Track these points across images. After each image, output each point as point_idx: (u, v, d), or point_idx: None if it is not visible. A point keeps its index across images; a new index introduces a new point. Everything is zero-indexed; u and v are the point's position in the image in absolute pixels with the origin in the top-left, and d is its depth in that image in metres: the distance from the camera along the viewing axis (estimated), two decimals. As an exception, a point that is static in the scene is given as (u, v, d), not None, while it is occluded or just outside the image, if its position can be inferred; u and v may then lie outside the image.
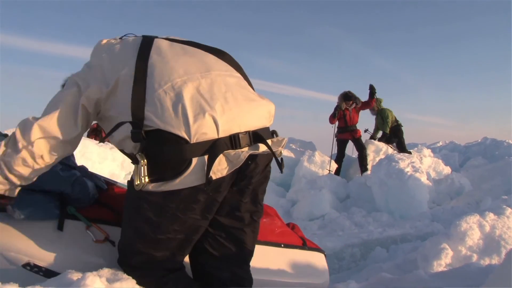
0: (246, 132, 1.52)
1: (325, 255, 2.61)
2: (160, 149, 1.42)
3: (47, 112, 1.53)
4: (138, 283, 1.60)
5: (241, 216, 1.67)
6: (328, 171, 8.62)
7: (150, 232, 1.53)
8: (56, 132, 1.51)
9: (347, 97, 8.83)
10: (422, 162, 8.68)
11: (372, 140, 9.63)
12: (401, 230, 5.43)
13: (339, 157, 9.05)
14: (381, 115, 9.47)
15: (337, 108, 8.92)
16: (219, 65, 1.66)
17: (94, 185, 1.98)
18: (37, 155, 1.50)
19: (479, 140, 14.75)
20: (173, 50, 1.63)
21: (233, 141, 1.48)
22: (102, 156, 7.09)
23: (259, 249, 1.92)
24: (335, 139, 9.17)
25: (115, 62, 1.58)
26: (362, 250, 4.81)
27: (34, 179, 1.60)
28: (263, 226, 1.94)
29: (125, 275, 1.59)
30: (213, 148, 1.42)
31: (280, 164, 1.62)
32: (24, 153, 1.49)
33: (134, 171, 1.49)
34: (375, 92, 8.81)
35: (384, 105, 9.53)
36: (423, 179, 7.02)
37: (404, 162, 7.28)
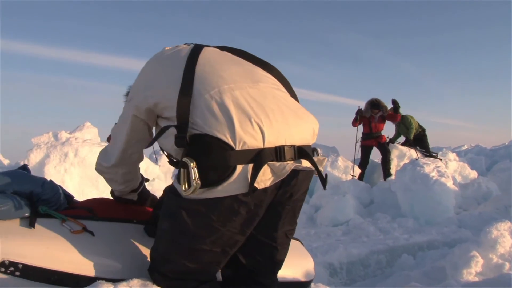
0: (291, 145, 1.48)
1: (302, 243, 2.47)
2: (205, 154, 1.40)
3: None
4: None
5: (276, 236, 1.65)
6: (351, 176, 8.54)
7: (186, 242, 1.51)
8: (115, 141, 1.80)
9: (374, 105, 8.74)
10: (448, 166, 8.54)
11: (395, 144, 9.51)
12: (428, 236, 5.33)
13: (363, 164, 8.97)
14: (404, 123, 9.34)
15: (358, 112, 8.85)
16: (267, 78, 1.65)
17: (64, 194, 2.00)
18: (109, 166, 1.84)
19: (506, 143, 14.46)
20: (221, 58, 1.65)
21: (278, 152, 1.44)
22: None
23: None
24: (358, 144, 9.07)
25: (164, 70, 1.62)
26: (388, 257, 4.73)
27: (130, 182, 1.97)
28: None
29: (155, 286, 1.58)
30: (258, 157, 1.39)
31: (325, 181, 1.61)
32: (105, 168, 1.87)
33: (179, 177, 1.45)
34: (399, 107, 8.71)
35: (405, 110, 9.40)
36: (449, 183, 6.90)
37: (429, 167, 7.17)
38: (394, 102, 8.70)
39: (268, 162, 1.42)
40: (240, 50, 1.74)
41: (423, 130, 9.63)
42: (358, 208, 7.25)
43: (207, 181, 1.39)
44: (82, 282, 1.68)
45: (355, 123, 8.92)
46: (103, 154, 1.89)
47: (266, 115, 1.43)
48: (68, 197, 2.06)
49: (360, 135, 9.04)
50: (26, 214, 1.75)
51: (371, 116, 8.75)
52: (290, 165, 1.44)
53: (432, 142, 10.12)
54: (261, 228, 1.60)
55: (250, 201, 1.42)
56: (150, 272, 1.66)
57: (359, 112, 8.95)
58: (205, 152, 1.40)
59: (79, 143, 6.98)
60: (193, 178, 1.38)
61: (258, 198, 1.44)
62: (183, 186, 1.40)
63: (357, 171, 8.79)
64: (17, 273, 1.64)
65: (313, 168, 1.54)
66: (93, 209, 1.99)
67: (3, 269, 1.61)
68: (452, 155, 10.55)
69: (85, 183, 6.80)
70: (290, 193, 1.54)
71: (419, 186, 6.85)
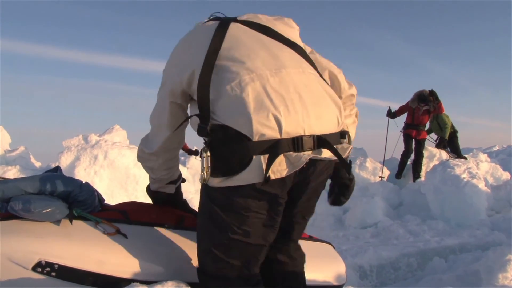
0: (310, 135, 1.46)
1: (333, 247, 2.45)
2: (224, 145, 1.45)
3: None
4: None
5: (293, 213, 1.69)
6: (380, 178, 8.44)
7: (222, 234, 1.53)
8: (157, 129, 1.78)
9: (422, 99, 8.44)
10: (479, 167, 8.34)
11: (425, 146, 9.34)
12: (459, 239, 5.23)
13: (405, 153, 8.75)
14: (438, 121, 9.16)
15: (388, 113, 8.77)
16: (292, 61, 1.61)
17: (98, 197, 2.03)
18: (152, 153, 1.81)
19: (540, 144, 14.06)
20: (246, 39, 1.62)
21: (295, 143, 1.43)
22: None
23: None
24: (401, 133, 8.87)
25: (188, 52, 1.64)
26: (419, 260, 4.66)
27: (171, 170, 1.95)
28: None
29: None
30: (274, 148, 1.40)
31: (349, 167, 1.63)
32: (147, 155, 1.84)
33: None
34: (438, 96, 8.41)
35: None
36: (481, 185, 6.74)
37: (460, 168, 7.02)
38: (433, 93, 8.41)
39: (284, 153, 1.42)
40: (268, 28, 1.70)
41: (455, 131, 9.44)
42: (386, 210, 7.16)
43: (228, 170, 1.44)
44: (117, 284, 1.71)
45: (391, 117, 8.86)
46: (144, 141, 1.88)
47: (285, 106, 1.43)
48: (100, 200, 2.09)
49: (395, 125, 8.91)
50: (64, 217, 1.79)
51: (417, 107, 8.50)
52: (306, 155, 1.44)
53: (462, 143, 9.93)
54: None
55: (268, 189, 1.45)
56: (199, 273, 1.66)
57: (389, 113, 8.83)
58: (225, 143, 1.44)
59: (109, 146, 7.10)
60: (205, 167, 1.45)
61: (276, 186, 1.46)
62: (205, 174, 1.47)
63: (386, 172, 8.67)
64: (53, 274, 1.66)
65: (334, 158, 1.53)
66: (127, 212, 2.01)
67: (39, 269, 1.64)
68: (483, 156, 10.29)
69: (114, 185, 6.91)
70: (308, 181, 1.57)
71: (449, 187, 6.72)
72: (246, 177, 1.42)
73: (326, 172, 1.65)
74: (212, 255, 1.57)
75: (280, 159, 1.42)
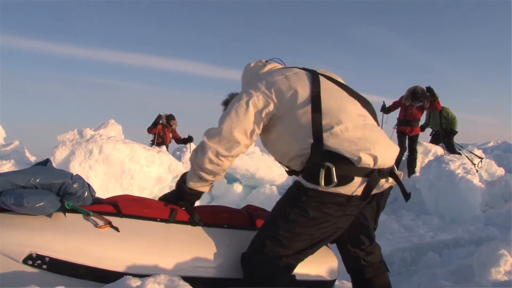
0: (387, 167, 2.03)
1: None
2: (334, 165, 1.88)
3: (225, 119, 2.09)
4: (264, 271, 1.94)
5: (370, 226, 2.21)
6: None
7: (301, 223, 1.96)
8: (233, 137, 2.05)
9: (415, 96, 8.36)
10: (474, 163, 8.36)
11: (420, 141, 9.33)
12: (454, 234, 5.23)
13: (400, 151, 8.70)
14: (443, 115, 9.15)
15: (382, 109, 8.75)
16: (366, 113, 2.16)
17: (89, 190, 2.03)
18: (219, 154, 2.05)
19: (535, 140, 14.10)
20: (339, 94, 2.14)
21: (381, 173, 1.98)
22: (150, 160, 7.25)
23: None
24: (394, 130, 8.86)
25: (292, 89, 2.07)
26: (413, 255, 4.66)
27: (222, 174, 2.18)
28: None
29: (182, 282, 1.59)
30: (372, 175, 1.93)
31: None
32: (210, 154, 2.05)
33: (310, 176, 1.94)
34: (435, 93, 8.36)
35: None
36: (475, 181, 6.75)
37: (455, 164, 7.04)
38: (430, 89, 8.36)
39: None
40: (344, 85, 2.23)
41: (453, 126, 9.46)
42: (381, 205, 7.16)
43: (337, 182, 1.88)
44: (109, 277, 1.70)
45: (385, 112, 8.85)
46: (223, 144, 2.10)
47: (377, 146, 1.97)
48: (91, 193, 2.08)
49: (385, 121, 8.88)
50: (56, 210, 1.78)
51: (410, 104, 8.46)
52: (387, 184, 2.06)
53: (457, 139, 9.94)
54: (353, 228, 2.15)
55: (356, 201, 1.96)
56: (249, 256, 1.99)
57: (383, 108, 8.82)
58: (334, 163, 1.88)
59: (104, 140, 7.07)
60: (334, 177, 1.86)
61: (361, 201, 1.99)
62: (322, 182, 1.87)
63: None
64: (44, 266, 1.67)
65: (395, 184, 2.13)
66: (118, 205, 2.00)
67: (30, 262, 1.65)
68: (478, 152, 10.32)
69: (109, 179, 6.89)
70: (378, 204, 2.16)
71: (444, 183, 6.73)
72: (349, 190, 1.91)
73: (389, 194, 2.22)
74: (278, 238, 1.95)
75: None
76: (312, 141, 1.96)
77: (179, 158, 8.85)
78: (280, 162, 2.29)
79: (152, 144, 10.19)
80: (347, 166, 1.90)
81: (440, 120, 9.29)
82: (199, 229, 2.09)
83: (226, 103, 2.46)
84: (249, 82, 2.21)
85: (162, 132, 10.82)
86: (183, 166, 8.11)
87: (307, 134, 1.98)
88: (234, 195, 9.03)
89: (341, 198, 1.93)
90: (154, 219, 2.01)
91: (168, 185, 7.41)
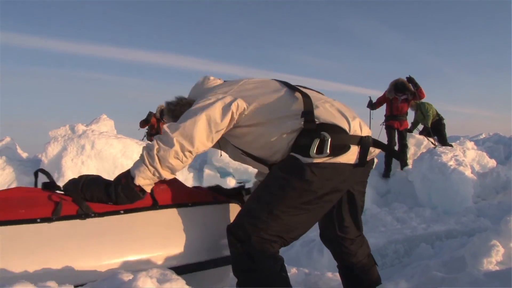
0: (369, 135, 2.04)
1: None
2: (329, 135, 1.87)
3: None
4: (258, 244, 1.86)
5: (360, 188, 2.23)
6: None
7: (303, 193, 1.91)
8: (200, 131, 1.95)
9: (398, 88, 8.30)
10: (466, 155, 8.42)
11: (412, 133, 9.33)
12: (446, 225, 5.27)
13: (390, 146, 8.65)
14: (421, 110, 9.10)
15: (369, 104, 8.73)
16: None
17: None
18: (186, 149, 1.92)
19: (526, 132, 14.18)
20: (307, 90, 2.17)
21: (368, 138, 1.99)
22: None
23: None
24: (383, 127, 8.74)
25: (260, 83, 2.17)
26: (406, 247, 4.69)
27: (174, 174, 2.03)
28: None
29: (174, 275, 1.59)
30: (364, 141, 1.96)
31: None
32: (177, 147, 1.90)
33: (302, 147, 1.90)
34: (417, 82, 8.23)
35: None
36: (467, 172, 6.82)
37: (447, 156, 7.09)
38: (411, 79, 8.25)
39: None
40: (302, 86, 2.26)
41: (441, 118, 9.38)
42: (374, 198, 7.21)
43: (332, 153, 1.88)
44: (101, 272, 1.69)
45: (372, 108, 8.80)
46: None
47: (355, 117, 2.03)
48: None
49: (374, 117, 8.88)
50: None
51: (394, 98, 8.39)
52: (377, 151, 2.09)
53: (449, 131, 9.97)
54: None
55: (359, 168, 1.99)
56: (237, 227, 1.92)
57: (370, 104, 8.80)
58: (329, 133, 1.87)
59: (96, 136, 7.04)
60: (327, 147, 1.85)
61: (357, 168, 1.99)
62: (313, 151, 1.85)
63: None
64: None
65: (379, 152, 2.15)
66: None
67: None
68: (470, 144, 10.37)
69: (101, 175, 6.86)
70: (367, 172, 2.19)
71: (436, 175, 6.78)
72: (347, 158, 1.92)
73: (373, 161, 2.23)
74: (276, 211, 1.89)
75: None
76: (303, 118, 1.95)
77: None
78: (260, 160, 2.12)
79: (145, 137, 10.19)
80: (341, 135, 1.92)
81: (422, 115, 9.20)
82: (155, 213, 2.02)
83: (172, 110, 2.28)
84: (208, 90, 2.15)
85: (156, 124, 10.84)
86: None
87: (295, 113, 1.98)
88: (227, 189, 9.02)
89: (341, 168, 1.93)
90: (118, 212, 1.96)
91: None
